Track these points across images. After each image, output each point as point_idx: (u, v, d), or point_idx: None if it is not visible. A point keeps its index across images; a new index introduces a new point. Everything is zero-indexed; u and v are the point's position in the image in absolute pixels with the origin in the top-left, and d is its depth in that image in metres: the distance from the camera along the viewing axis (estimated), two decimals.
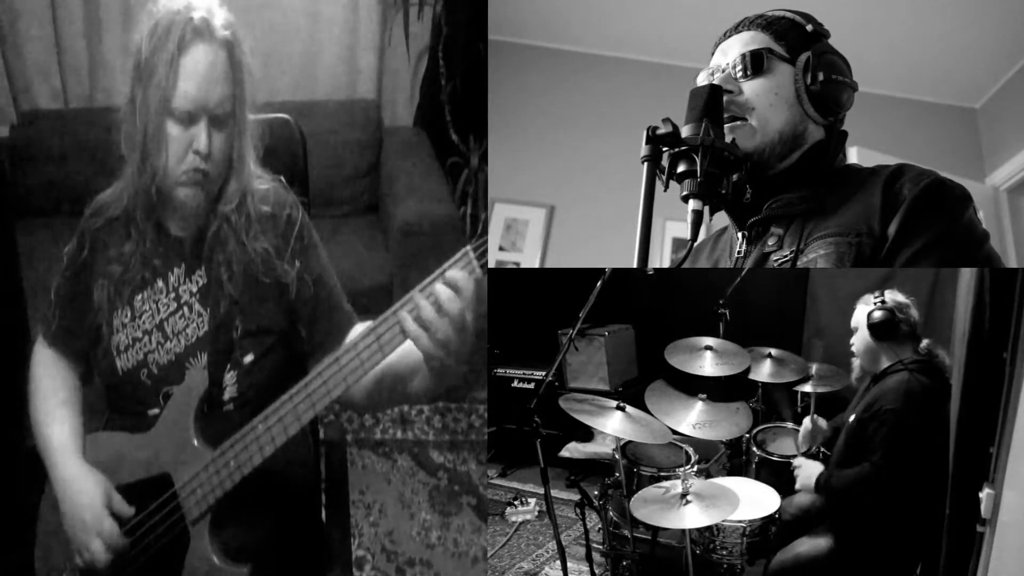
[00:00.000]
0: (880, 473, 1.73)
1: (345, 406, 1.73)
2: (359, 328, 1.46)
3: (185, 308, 1.42)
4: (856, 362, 1.91)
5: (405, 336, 1.15)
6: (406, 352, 1.20)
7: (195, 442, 1.35)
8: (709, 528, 1.89)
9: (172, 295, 1.42)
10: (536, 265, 3.51)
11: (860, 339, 1.87)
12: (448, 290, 1.11)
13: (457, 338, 1.12)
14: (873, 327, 1.83)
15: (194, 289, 1.42)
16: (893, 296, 1.85)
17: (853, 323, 1.90)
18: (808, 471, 1.85)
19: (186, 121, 1.30)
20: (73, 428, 1.45)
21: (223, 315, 1.39)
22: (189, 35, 1.28)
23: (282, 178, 1.52)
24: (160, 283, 1.43)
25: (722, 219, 1.37)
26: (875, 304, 1.84)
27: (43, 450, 1.44)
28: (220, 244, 1.40)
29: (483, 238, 1.14)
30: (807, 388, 2.54)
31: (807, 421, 2.05)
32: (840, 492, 1.78)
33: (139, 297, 1.42)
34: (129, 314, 1.42)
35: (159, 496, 1.36)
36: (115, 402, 1.48)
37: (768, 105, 1.24)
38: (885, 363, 1.83)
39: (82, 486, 1.37)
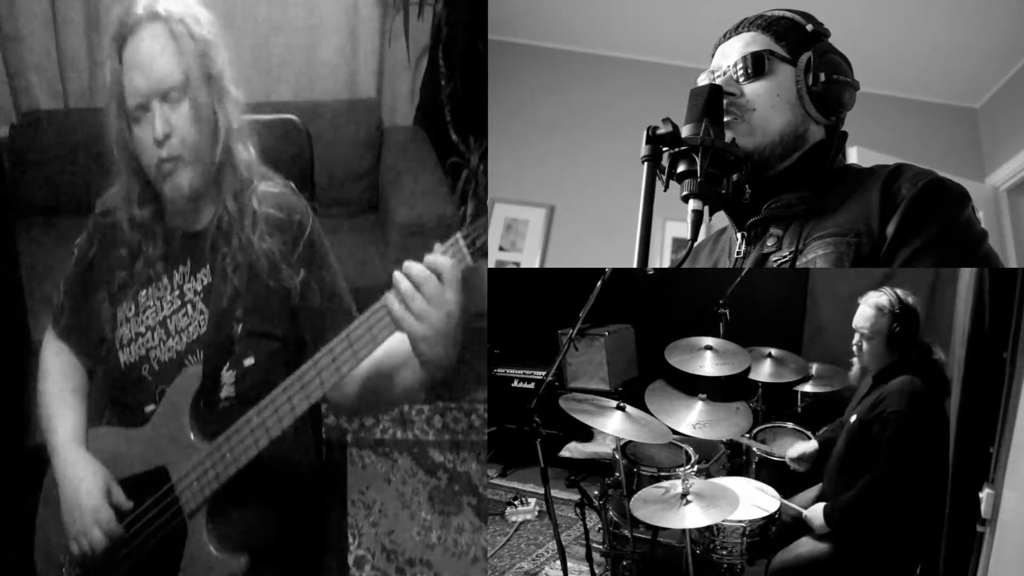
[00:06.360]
0: (884, 479, 1.72)
1: (336, 409, 1.72)
2: None
3: (188, 307, 1.41)
4: (857, 361, 1.88)
5: (394, 324, 1.17)
6: (393, 348, 1.25)
7: (191, 436, 1.35)
8: (709, 528, 1.88)
9: (176, 292, 1.42)
10: (536, 265, 3.51)
11: (867, 342, 1.84)
12: (422, 267, 1.14)
13: (438, 315, 1.13)
14: (892, 337, 1.79)
15: (198, 288, 1.42)
16: (905, 299, 1.81)
17: (858, 322, 1.86)
18: (815, 513, 1.83)
19: (142, 116, 1.30)
20: (79, 417, 1.46)
21: (225, 309, 1.39)
22: (126, 32, 1.29)
23: (293, 184, 1.50)
24: (165, 280, 1.43)
25: (722, 219, 1.37)
26: (892, 311, 1.80)
27: (47, 437, 1.44)
28: (223, 236, 1.39)
29: (473, 224, 1.14)
30: (807, 388, 2.55)
31: (792, 451, 2.09)
32: (848, 513, 1.77)
33: (144, 293, 1.43)
34: (133, 309, 1.43)
35: (157, 490, 1.36)
36: (115, 396, 1.49)
37: (770, 106, 1.24)
38: (887, 363, 1.82)
39: (83, 474, 1.38)
